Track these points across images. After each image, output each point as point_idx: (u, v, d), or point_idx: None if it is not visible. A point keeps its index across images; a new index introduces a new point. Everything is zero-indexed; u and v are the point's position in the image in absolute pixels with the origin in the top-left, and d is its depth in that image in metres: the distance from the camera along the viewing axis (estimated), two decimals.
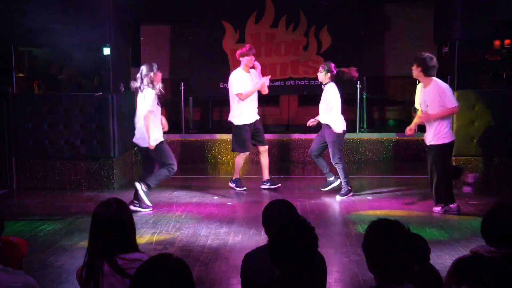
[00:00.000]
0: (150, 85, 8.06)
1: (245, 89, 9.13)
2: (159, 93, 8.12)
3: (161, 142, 8.19)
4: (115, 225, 3.33)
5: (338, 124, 8.65)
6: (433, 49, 10.77)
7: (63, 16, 9.35)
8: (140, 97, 8.10)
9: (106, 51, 9.56)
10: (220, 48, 13.05)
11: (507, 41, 10.41)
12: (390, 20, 14.31)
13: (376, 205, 8.44)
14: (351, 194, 8.80)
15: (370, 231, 2.86)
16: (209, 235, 7.18)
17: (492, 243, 3.37)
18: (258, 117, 9.39)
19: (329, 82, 8.77)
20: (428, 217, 7.89)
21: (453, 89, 9.42)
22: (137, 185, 8.24)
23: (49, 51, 10.84)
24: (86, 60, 10.28)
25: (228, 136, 12.10)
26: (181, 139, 12.14)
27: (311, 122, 9.15)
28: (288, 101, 13.93)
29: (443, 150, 7.78)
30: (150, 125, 7.95)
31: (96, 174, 9.71)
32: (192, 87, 12.97)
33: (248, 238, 7.02)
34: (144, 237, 7.05)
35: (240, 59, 9.30)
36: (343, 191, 8.84)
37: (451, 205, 7.96)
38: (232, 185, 9.50)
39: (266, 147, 9.44)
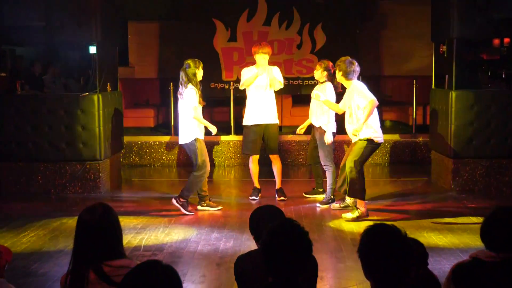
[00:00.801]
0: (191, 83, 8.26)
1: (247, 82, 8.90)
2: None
3: (197, 140, 8.31)
4: (101, 230, 3.31)
5: (331, 127, 8.59)
6: (430, 48, 10.81)
7: (47, 14, 9.32)
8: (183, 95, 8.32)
9: (92, 49, 9.53)
10: (211, 47, 13.05)
11: (506, 40, 10.44)
12: (387, 18, 14.34)
13: (372, 209, 8.44)
14: (331, 204, 8.72)
15: (366, 235, 2.86)
16: (200, 240, 7.16)
17: (492, 247, 3.37)
18: (272, 122, 8.95)
19: (325, 81, 8.74)
20: (426, 221, 7.90)
21: (451, 89, 9.49)
22: (173, 202, 8.34)
23: (32, 50, 10.82)
24: (72, 59, 10.25)
25: (219, 138, 12.11)
26: (170, 141, 12.12)
27: (300, 130, 9.14)
28: (281, 101, 13.93)
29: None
30: (199, 117, 8.34)
31: (82, 177, 9.67)
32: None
33: (240, 243, 7.01)
34: (131, 243, 7.03)
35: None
36: (325, 199, 8.77)
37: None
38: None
39: (274, 155, 9.11)
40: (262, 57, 8.77)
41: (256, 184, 9.14)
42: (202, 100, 8.39)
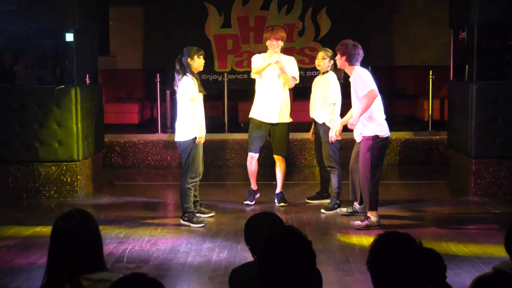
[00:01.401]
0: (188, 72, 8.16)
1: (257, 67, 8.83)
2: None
3: (195, 139, 8.16)
4: (79, 240, 3.30)
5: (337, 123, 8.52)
6: (449, 35, 10.82)
7: None
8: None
9: (69, 37, 9.52)
10: (203, 34, 13.07)
11: None
12: (399, 0, 14.35)
13: (383, 215, 8.44)
14: (337, 209, 8.71)
15: (376, 245, 2.86)
16: (190, 251, 7.16)
17: None
18: (283, 120, 8.90)
19: (327, 71, 8.74)
20: (444, 229, 7.91)
21: (471, 80, 9.49)
22: (181, 222, 8.20)
23: (2, 38, 10.78)
24: (46, 48, 10.25)
25: (211, 136, 12.10)
26: (156, 139, 12.12)
27: (313, 136, 9.09)
28: None
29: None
30: (194, 115, 8.15)
31: (57, 180, 9.66)
32: (169, 79, 12.94)
33: (235, 254, 7.00)
34: (113, 254, 7.03)
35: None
36: (330, 204, 8.76)
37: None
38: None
39: (279, 156, 9.06)
40: (275, 44, 8.70)
41: (253, 186, 9.15)
42: (203, 89, 8.32)
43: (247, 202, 9.08)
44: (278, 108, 8.83)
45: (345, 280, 6.26)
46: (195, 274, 6.47)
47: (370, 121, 7.83)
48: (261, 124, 8.89)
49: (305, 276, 2.88)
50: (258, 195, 9.19)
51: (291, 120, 9.03)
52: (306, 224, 8.10)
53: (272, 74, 8.77)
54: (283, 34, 8.79)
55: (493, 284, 3.35)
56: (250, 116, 8.96)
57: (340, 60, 8.00)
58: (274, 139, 8.96)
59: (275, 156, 9.07)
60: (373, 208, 7.89)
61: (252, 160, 9.01)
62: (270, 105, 8.81)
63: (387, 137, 8.04)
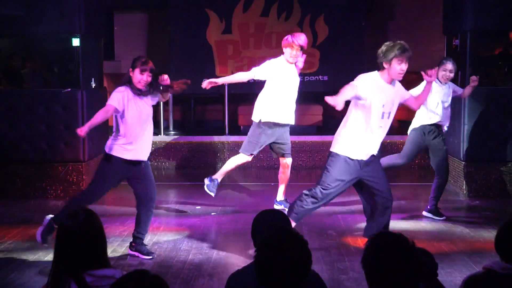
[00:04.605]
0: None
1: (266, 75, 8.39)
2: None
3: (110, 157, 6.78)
4: (83, 238, 3.31)
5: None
6: (442, 42, 10.83)
7: (27, 3, 9.31)
8: None
9: (75, 42, 9.54)
10: (204, 39, 13.05)
11: None
12: (395, 8, 14.36)
13: None
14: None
15: (370, 245, 2.86)
16: (191, 249, 7.16)
17: (508, 258, 3.38)
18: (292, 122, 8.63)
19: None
20: (435, 229, 7.92)
21: (464, 86, 9.49)
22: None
23: (11, 42, 10.81)
24: (53, 52, 10.27)
25: (212, 139, 12.11)
26: (159, 141, 12.12)
27: None
28: None
29: None
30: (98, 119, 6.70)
31: (64, 180, 9.67)
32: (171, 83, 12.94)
33: (234, 252, 7.00)
34: (117, 252, 7.03)
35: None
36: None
37: None
38: (206, 181, 8.75)
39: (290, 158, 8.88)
40: (292, 53, 8.25)
41: (219, 177, 8.74)
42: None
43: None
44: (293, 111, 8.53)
45: (341, 278, 6.26)
46: (195, 271, 6.46)
47: None
48: (274, 127, 8.46)
49: (301, 276, 2.89)
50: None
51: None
52: (303, 224, 8.09)
53: (294, 81, 8.46)
54: (305, 40, 8.37)
55: (483, 283, 3.36)
56: (267, 120, 8.43)
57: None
58: (287, 140, 8.70)
59: (287, 160, 8.81)
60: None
61: (243, 160, 8.65)
62: (289, 108, 8.47)
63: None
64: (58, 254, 3.36)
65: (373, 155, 6.65)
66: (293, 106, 8.52)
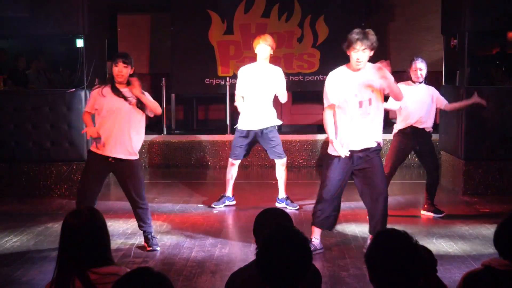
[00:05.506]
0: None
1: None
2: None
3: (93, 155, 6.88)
4: (87, 235, 3.31)
5: None
6: (441, 42, 10.82)
7: (31, 4, 9.31)
8: None
9: (79, 43, 9.53)
10: (206, 40, 13.04)
11: None
12: (394, 9, 14.34)
13: None
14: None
15: (375, 241, 2.86)
16: (194, 246, 7.16)
17: (506, 255, 3.37)
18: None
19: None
20: (435, 226, 7.91)
21: (462, 85, 9.50)
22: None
23: (15, 43, 10.82)
24: (57, 53, 10.26)
25: (214, 138, 12.11)
26: (162, 140, 12.11)
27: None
28: None
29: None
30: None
31: (68, 179, 9.66)
32: (174, 83, 12.95)
33: (236, 250, 7.01)
34: (120, 249, 7.03)
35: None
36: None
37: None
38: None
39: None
40: (263, 47, 8.62)
41: (226, 191, 9.05)
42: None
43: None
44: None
45: (342, 275, 6.25)
46: (198, 268, 6.46)
47: None
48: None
49: (302, 272, 2.89)
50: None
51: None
52: (304, 221, 8.09)
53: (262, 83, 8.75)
54: (272, 42, 8.72)
55: (482, 279, 3.35)
56: (238, 126, 8.79)
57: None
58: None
59: (278, 161, 8.94)
60: None
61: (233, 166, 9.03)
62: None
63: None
64: (63, 252, 3.35)
65: (367, 148, 6.60)
66: (264, 109, 8.71)
